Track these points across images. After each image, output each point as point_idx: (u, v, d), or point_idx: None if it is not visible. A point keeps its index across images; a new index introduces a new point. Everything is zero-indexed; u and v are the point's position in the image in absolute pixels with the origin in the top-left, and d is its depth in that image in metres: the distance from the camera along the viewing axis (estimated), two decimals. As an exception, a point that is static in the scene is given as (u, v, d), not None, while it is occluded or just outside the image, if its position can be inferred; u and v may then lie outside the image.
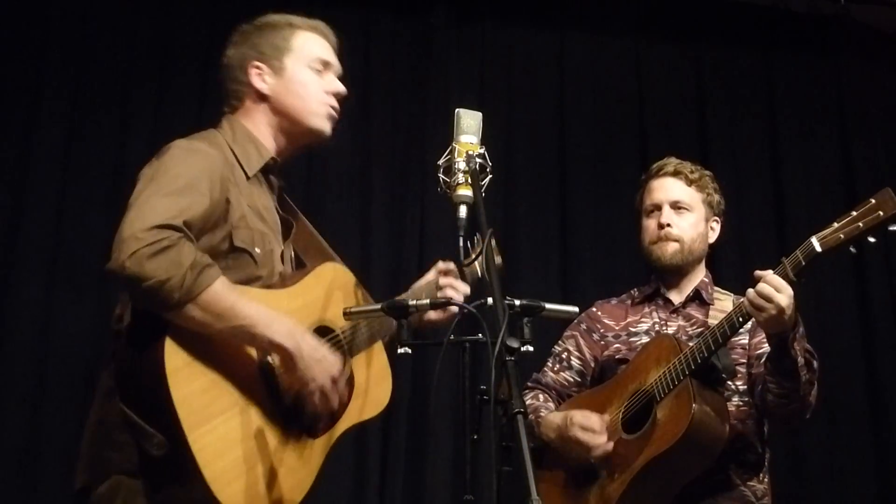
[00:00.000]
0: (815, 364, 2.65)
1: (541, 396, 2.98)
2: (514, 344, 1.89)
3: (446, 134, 2.31)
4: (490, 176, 2.23)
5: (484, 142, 2.27)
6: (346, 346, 2.37)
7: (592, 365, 2.99)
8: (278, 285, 2.32)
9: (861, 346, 4.69)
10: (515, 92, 4.80)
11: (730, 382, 2.77)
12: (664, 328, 2.91)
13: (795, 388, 2.61)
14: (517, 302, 2.03)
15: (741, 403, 2.81)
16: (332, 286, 2.41)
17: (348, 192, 4.50)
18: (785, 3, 5.03)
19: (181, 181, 2.15)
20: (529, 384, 3.02)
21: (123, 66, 4.34)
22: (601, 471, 2.74)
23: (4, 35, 4.31)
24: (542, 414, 2.90)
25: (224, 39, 4.74)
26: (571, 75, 4.87)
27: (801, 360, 2.58)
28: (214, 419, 2.10)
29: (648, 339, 2.89)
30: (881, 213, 2.43)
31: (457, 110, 2.29)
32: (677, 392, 2.65)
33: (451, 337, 2.11)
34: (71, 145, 4.26)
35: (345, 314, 2.33)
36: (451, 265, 2.65)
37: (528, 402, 2.89)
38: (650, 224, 2.95)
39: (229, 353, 2.17)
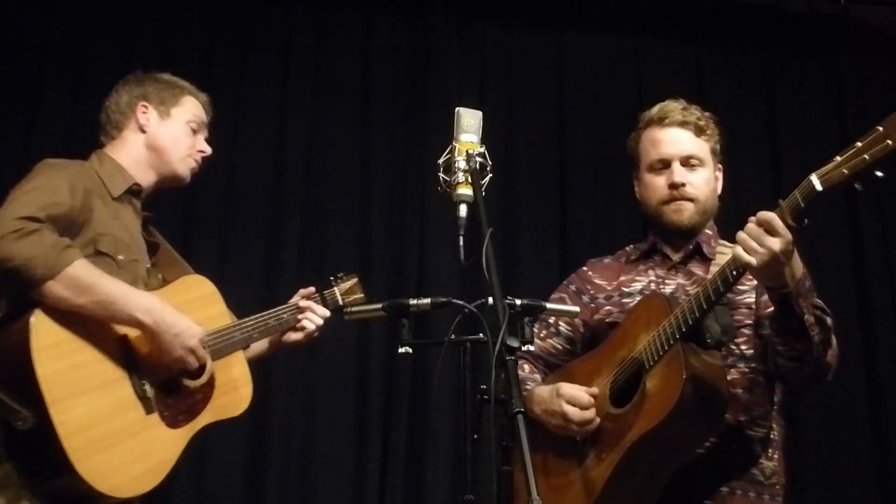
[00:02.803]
0: (829, 321, 2.33)
1: (526, 367, 2.71)
2: (515, 343, 1.90)
3: (446, 134, 2.31)
4: (490, 175, 2.23)
5: (484, 141, 2.27)
6: (209, 350, 2.57)
7: (582, 330, 2.71)
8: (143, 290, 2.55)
9: (861, 346, 4.69)
10: (515, 92, 4.80)
11: (733, 347, 2.47)
12: (662, 287, 2.61)
13: (807, 350, 2.29)
14: (518, 301, 2.03)
15: (747, 370, 2.49)
16: (194, 294, 2.67)
17: (348, 192, 4.50)
18: (784, 3, 5.03)
19: (43, 187, 2.43)
20: None
21: (124, 63, 4.33)
22: (588, 450, 2.46)
23: (5, 31, 4.31)
24: (528, 386, 2.62)
25: (224, 39, 4.74)
26: (571, 75, 4.87)
27: (809, 318, 2.27)
28: (79, 397, 2.29)
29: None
30: (890, 141, 2.08)
31: (457, 109, 2.29)
32: (667, 359, 2.33)
33: (452, 336, 2.11)
34: (71, 142, 4.25)
35: (346, 314, 2.40)
36: (313, 290, 2.93)
37: None
38: (658, 182, 2.63)
39: (99, 338, 2.37)
